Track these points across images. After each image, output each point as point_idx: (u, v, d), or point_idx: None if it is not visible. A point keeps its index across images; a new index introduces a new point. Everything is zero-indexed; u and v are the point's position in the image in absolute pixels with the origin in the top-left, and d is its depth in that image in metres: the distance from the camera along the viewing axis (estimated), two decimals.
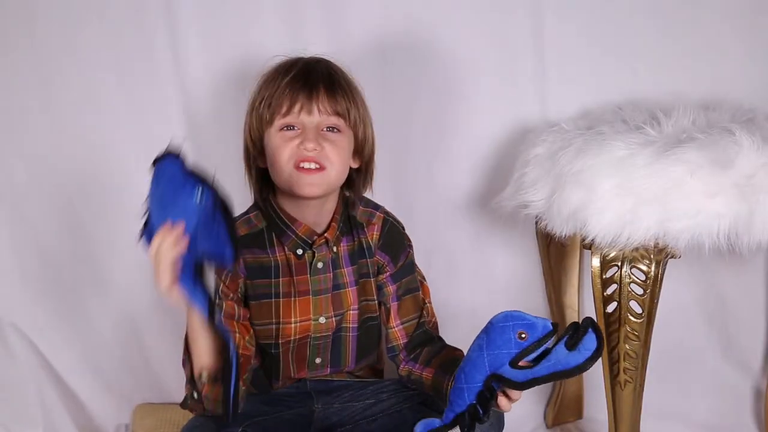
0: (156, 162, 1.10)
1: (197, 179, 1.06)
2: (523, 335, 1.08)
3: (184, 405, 1.25)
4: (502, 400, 1.13)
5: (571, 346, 1.06)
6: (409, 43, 1.66)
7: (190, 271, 1.08)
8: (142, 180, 1.65)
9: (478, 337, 1.12)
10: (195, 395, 1.21)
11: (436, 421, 1.15)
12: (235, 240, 1.06)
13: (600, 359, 1.41)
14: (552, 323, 1.09)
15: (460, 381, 1.13)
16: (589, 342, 1.06)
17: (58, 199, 1.68)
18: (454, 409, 1.14)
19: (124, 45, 1.62)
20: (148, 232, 1.12)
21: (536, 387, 1.77)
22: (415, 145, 1.70)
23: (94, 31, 1.61)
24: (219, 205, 1.06)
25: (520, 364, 1.09)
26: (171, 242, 1.06)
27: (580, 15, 1.68)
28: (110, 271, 1.70)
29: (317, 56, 1.33)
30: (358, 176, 1.36)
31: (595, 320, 1.10)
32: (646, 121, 1.47)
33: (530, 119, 1.68)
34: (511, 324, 1.09)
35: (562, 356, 1.07)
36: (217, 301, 1.11)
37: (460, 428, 1.13)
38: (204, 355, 1.18)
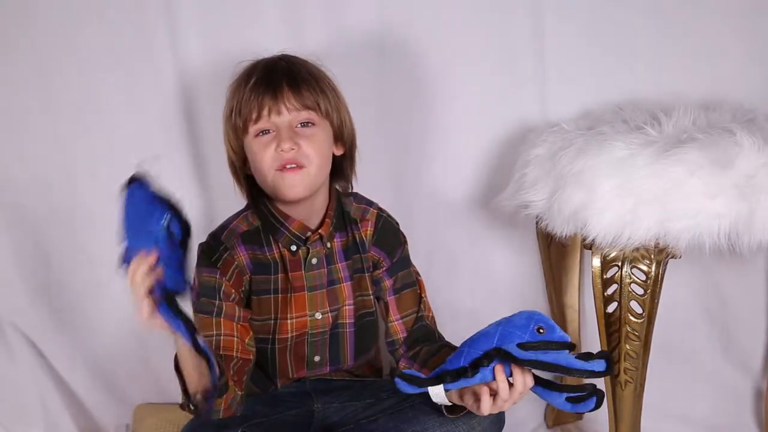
0: (125, 186, 1.08)
1: (164, 204, 1.05)
2: (542, 330, 1.10)
3: (183, 406, 1.25)
4: (485, 397, 1.13)
5: (582, 358, 1.10)
6: (408, 43, 1.66)
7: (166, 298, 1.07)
8: None
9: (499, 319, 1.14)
10: (191, 407, 1.22)
11: (420, 374, 1.16)
12: (185, 269, 1.06)
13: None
14: (571, 342, 1.10)
15: (463, 345, 1.15)
16: (599, 365, 1.09)
17: (57, 199, 1.67)
18: (444, 368, 1.15)
19: (124, 45, 1.62)
20: (127, 258, 1.10)
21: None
22: (414, 144, 1.70)
23: (94, 31, 1.61)
24: (182, 231, 1.05)
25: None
26: (144, 271, 1.04)
27: (580, 15, 1.68)
28: (110, 271, 1.69)
29: (279, 53, 1.34)
30: (345, 162, 1.37)
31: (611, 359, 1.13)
32: (647, 121, 1.47)
33: (530, 119, 1.68)
34: (536, 318, 1.12)
35: (570, 358, 1.09)
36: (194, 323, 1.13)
37: (444, 381, 1.13)
38: (195, 377, 1.19)
